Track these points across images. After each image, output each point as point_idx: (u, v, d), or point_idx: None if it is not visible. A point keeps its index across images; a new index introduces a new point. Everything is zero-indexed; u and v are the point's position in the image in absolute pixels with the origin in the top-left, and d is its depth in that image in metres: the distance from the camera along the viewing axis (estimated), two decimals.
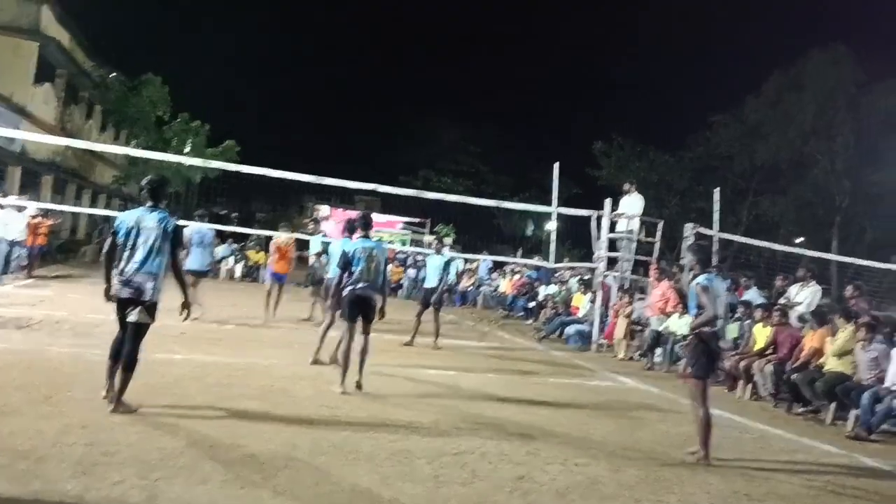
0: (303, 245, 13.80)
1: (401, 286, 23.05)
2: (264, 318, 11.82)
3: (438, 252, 12.09)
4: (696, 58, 44.50)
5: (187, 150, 29.74)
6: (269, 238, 13.67)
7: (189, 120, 30.97)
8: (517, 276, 21.00)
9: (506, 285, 21.39)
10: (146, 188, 5.78)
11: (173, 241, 5.63)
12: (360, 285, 7.16)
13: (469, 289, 22.93)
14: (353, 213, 9.68)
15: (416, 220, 32.32)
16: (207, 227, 12.27)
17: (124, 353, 5.42)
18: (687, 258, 6.23)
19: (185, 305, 5.80)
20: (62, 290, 13.81)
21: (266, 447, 4.93)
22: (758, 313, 10.26)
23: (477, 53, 66.44)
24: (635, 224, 13.82)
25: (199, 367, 7.26)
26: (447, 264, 11.84)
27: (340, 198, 48.33)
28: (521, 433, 6.18)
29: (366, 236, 7.45)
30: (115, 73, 29.78)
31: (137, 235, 5.51)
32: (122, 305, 5.49)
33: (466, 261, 23.61)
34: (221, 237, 24.90)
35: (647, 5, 54.66)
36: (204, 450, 4.73)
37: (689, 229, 12.64)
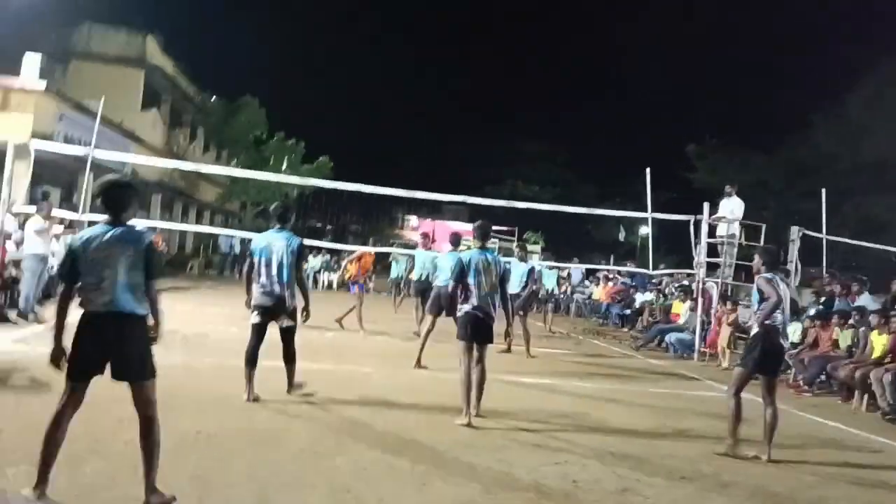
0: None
1: None
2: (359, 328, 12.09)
3: (522, 259, 11.95)
4: (792, 54, 42.52)
5: (284, 167, 30.84)
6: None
7: (285, 139, 32.14)
8: (611, 283, 20.59)
9: (600, 293, 21.02)
10: (274, 213, 6.80)
11: (298, 256, 6.50)
12: (475, 302, 6.36)
13: (561, 296, 22.65)
14: (445, 225, 9.70)
15: (505, 228, 32.18)
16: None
17: (285, 353, 6.54)
18: (755, 259, 6.40)
19: (306, 310, 6.55)
20: (172, 302, 14.48)
21: (369, 454, 5.02)
22: (874, 319, 9.64)
23: (561, 60, 65.89)
24: (736, 228, 13.31)
25: (303, 375, 7.47)
26: (530, 272, 11.72)
27: (429, 209, 48.98)
28: (623, 444, 6.04)
29: (483, 248, 6.61)
30: (215, 97, 31.32)
31: (270, 254, 6.41)
32: (265, 314, 6.41)
33: (558, 268, 23.35)
34: (317, 249, 25.70)
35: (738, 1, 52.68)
36: (310, 456, 4.86)
37: (794, 232, 12.07)
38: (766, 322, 5.93)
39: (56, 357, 3.76)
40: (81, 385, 3.80)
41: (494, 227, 31.88)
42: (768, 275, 6.09)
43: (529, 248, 31.59)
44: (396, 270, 16.43)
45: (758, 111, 38.47)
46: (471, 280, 6.35)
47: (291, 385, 6.63)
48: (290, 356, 6.60)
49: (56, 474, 4.03)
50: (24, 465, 4.13)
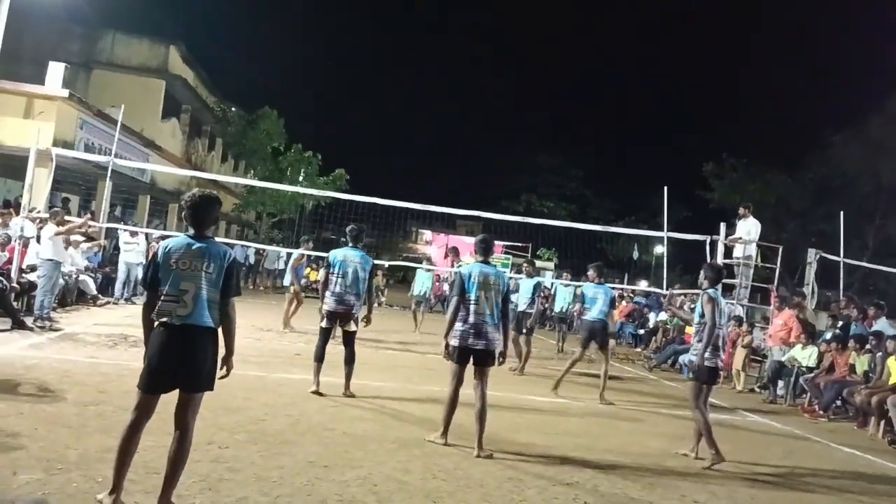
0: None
1: None
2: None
3: (529, 275, 11.66)
4: (812, 73, 42.36)
5: (301, 179, 31.04)
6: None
7: (302, 150, 32.37)
8: (625, 303, 20.49)
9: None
10: (350, 234, 7.77)
11: (370, 272, 7.66)
12: (472, 320, 5.93)
13: (573, 314, 22.53)
14: (460, 240, 9.62)
15: (518, 244, 32.16)
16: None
17: (346, 354, 7.48)
18: (700, 274, 6.85)
19: (368, 317, 7.86)
20: None
21: (379, 470, 5.01)
22: (890, 345, 9.52)
23: (578, 74, 65.97)
24: (752, 249, 13.21)
25: (327, 388, 7.47)
26: (536, 286, 11.38)
27: (443, 223, 49.04)
28: (635, 465, 5.99)
29: (485, 262, 6.20)
30: (234, 108, 31.62)
31: (346, 267, 7.46)
32: (333, 318, 7.45)
33: (573, 286, 23.25)
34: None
35: (759, 20, 52.62)
36: (320, 470, 4.85)
37: (811, 255, 11.97)
38: (705, 354, 6.38)
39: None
40: (154, 397, 3.81)
41: (508, 244, 32.12)
42: (712, 292, 6.53)
43: (542, 264, 31.65)
44: (420, 287, 15.78)
45: (778, 131, 38.27)
46: (471, 295, 5.95)
47: (348, 386, 7.43)
48: (350, 358, 7.47)
49: (69, 477, 4.06)
50: (38, 472, 4.15)
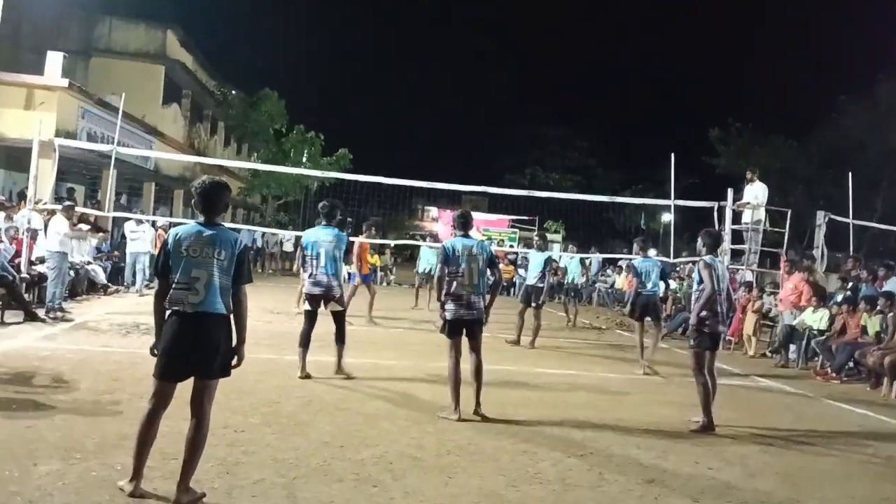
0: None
1: (514, 284, 22.98)
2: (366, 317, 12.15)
3: (540, 249, 11.52)
4: (819, 36, 41.76)
5: (304, 160, 30.95)
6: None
7: (304, 131, 32.23)
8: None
9: (622, 281, 20.87)
10: (322, 211, 7.48)
11: (345, 249, 7.50)
12: (459, 291, 6.09)
13: (583, 286, 22.55)
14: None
15: (525, 218, 32.05)
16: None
17: (336, 333, 7.40)
18: (698, 241, 6.87)
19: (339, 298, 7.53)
20: None
21: (393, 447, 5.04)
22: None
23: (580, 44, 65.31)
24: (761, 214, 13.14)
25: (326, 368, 7.52)
26: (547, 261, 11.25)
27: (449, 199, 48.85)
28: (648, 434, 6.01)
29: (465, 235, 6.40)
30: (235, 91, 31.45)
31: (318, 248, 7.24)
32: (315, 300, 7.25)
33: (582, 258, 23.24)
34: None
35: None
36: (335, 450, 4.89)
37: (820, 217, 11.90)
38: (702, 314, 6.42)
39: (156, 351, 3.83)
40: (170, 385, 3.84)
41: (515, 217, 31.99)
42: (708, 258, 6.56)
43: (550, 237, 31.57)
44: (425, 264, 15.90)
45: (784, 96, 37.83)
46: (455, 267, 6.10)
47: (340, 364, 7.39)
48: (340, 337, 7.41)
49: (88, 466, 4.10)
50: (57, 462, 4.20)
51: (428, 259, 15.67)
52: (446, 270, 6.15)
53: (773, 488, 4.84)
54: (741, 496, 4.61)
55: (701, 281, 6.50)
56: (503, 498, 4.24)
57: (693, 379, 6.58)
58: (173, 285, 3.77)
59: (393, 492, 4.19)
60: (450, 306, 6.12)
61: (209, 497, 3.82)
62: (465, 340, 6.23)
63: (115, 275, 15.09)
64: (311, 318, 7.29)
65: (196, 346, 3.76)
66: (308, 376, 7.05)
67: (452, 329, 6.15)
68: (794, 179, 29.61)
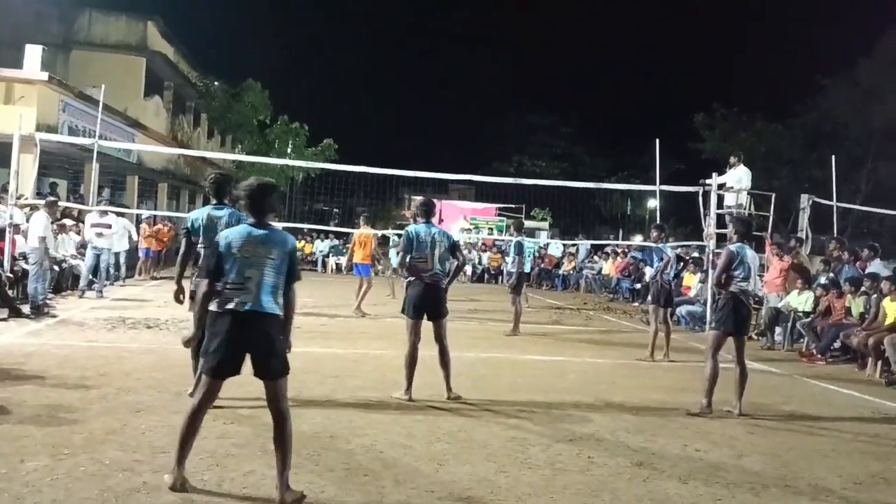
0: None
1: (501, 273, 23.05)
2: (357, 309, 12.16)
3: (513, 235, 11.57)
4: (800, 19, 41.89)
5: (289, 151, 30.78)
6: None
7: (289, 122, 32.02)
8: (620, 258, 20.56)
9: (609, 267, 20.99)
10: (210, 188, 6.04)
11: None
12: (423, 276, 6.29)
13: (570, 273, 22.64)
14: (453, 204, 9.38)
15: (512, 206, 32.09)
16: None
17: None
18: (730, 228, 6.81)
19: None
20: (187, 291, 14.57)
21: (383, 436, 5.05)
22: (885, 286, 9.57)
23: (566, 33, 65.23)
24: (744, 197, 13.20)
25: (315, 360, 7.51)
26: (519, 247, 11.16)
27: (435, 188, 48.76)
28: (636, 418, 6.05)
29: (427, 222, 6.54)
30: (217, 82, 31.16)
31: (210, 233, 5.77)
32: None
33: (565, 245, 23.34)
34: (324, 233, 25.77)
35: None
36: (326, 440, 4.89)
37: (804, 200, 11.98)
38: (733, 289, 6.35)
39: (193, 345, 3.90)
40: (220, 382, 3.87)
41: (501, 206, 32.01)
42: (735, 247, 6.46)
43: (536, 224, 31.63)
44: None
45: (767, 79, 38.03)
46: (420, 253, 6.32)
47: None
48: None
49: (77, 461, 4.08)
50: (45, 458, 4.17)
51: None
52: (409, 256, 6.37)
53: (762, 468, 4.89)
54: (730, 476, 4.66)
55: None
56: (494, 484, 4.26)
57: (680, 363, 6.61)
58: (226, 286, 3.79)
59: (384, 480, 4.20)
60: (411, 290, 6.33)
61: (200, 488, 3.81)
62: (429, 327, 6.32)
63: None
64: None
65: (251, 347, 3.78)
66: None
67: (413, 311, 6.29)
68: (779, 163, 29.80)
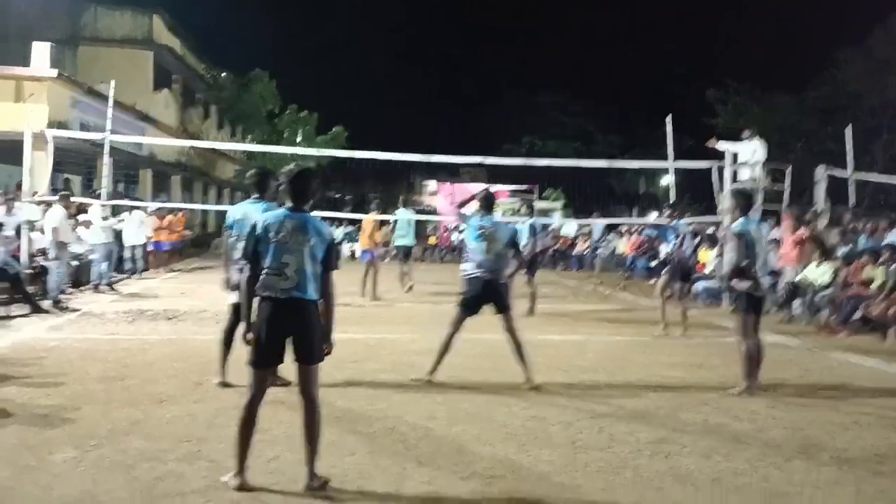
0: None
1: None
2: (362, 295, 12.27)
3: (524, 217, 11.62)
4: None
5: (299, 139, 30.82)
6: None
7: (298, 111, 32.03)
8: (635, 236, 20.46)
9: (624, 246, 20.89)
10: (250, 182, 6.01)
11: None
12: (480, 269, 6.21)
13: (585, 252, 22.58)
14: (465, 188, 9.32)
15: (524, 187, 31.97)
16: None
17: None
18: (730, 202, 6.58)
19: None
20: (200, 281, 14.71)
21: (404, 419, 5.08)
22: None
23: (571, 6, 64.42)
24: (757, 171, 13.07)
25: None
26: (531, 228, 11.22)
27: (447, 172, 48.58)
28: (656, 395, 6.05)
29: (486, 215, 6.47)
30: (225, 73, 31.20)
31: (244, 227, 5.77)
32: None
33: (580, 225, 23.24)
34: (338, 220, 25.82)
35: None
36: (347, 423, 4.93)
37: (820, 172, 11.84)
38: (735, 279, 6.20)
39: (249, 337, 3.83)
40: (265, 373, 3.90)
41: (514, 188, 31.93)
42: (738, 226, 6.22)
43: (549, 205, 31.53)
44: (404, 239, 13.72)
45: (780, 53, 37.34)
46: (475, 244, 6.25)
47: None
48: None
49: (102, 452, 4.14)
50: (72, 450, 4.23)
51: (405, 228, 13.53)
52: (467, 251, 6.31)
53: (784, 441, 4.88)
54: (752, 450, 4.64)
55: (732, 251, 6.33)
56: (515, 463, 4.28)
57: (699, 339, 6.58)
58: (264, 271, 3.79)
59: (406, 462, 4.23)
60: (469, 285, 6.26)
61: (223, 476, 3.85)
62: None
63: (121, 263, 14.93)
64: (238, 312, 5.58)
65: (290, 332, 3.78)
66: (227, 384, 5.77)
67: (467, 306, 6.25)
68: (794, 134, 29.43)
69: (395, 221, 13.34)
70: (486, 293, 6.21)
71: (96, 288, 12.50)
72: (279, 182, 4.24)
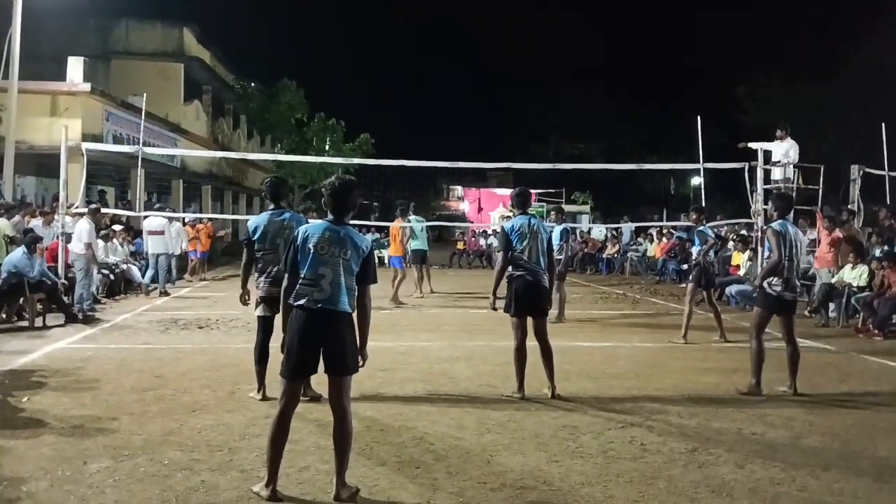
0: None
1: None
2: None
3: (558, 222, 11.09)
4: None
5: (327, 148, 31.08)
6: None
7: (325, 119, 32.30)
8: (665, 239, 20.22)
9: (654, 249, 20.66)
10: (267, 191, 6.27)
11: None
12: (525, 271, 6.00)
13: (615, 256, 22.38)
14: (492, 192, 9.28)
15: (552, 190, 31.81)
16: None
17: None
18: (769, 205, 6.74)
19: None
20: (232, 290, 14.82)
21: (433, 428, 5.07)
22: None
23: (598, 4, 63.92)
24: (790, 172, 12.84)
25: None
26: (564, 232, 10.90)
27: (474, 177, 48.60)
28: (689, 402, 5.96)
29: (524, 213, 6.29)
30: (254, 84, 31.59)
31: (276, 238, 5.83)
32: (273, 303, 6.24)
33: (608, 228, 23.05)
34: (366, 228, 25.96)
35: None
36: (377, 434, 4.94)
37: (855, 171, 11.60)
38: (768, 279, 6.24)
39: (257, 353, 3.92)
40: (298, 383, 3.94)
41: (541, 191, 31.78)
42: (777, 225, 6.25)
43: (577, 208, 31.32)
44: (417, 244, 13.94)
45: (810, 38, 36.37)
46: (518, 246, 6.02)
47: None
48: None
49: (137, 462, 4.19)
50: (107, 460, 4.29)
51: (417, 236, 13.82)
52: (509, 252, 6.04)
53: (821, 449, 4.77)
54: (789, 459, 4.55)
55: (771, 249, 6.30)
56: (546, 473, 4.24)
57: (731, 344, 6.48)
58: (300, 281, 3.83)
59: (436, 472, 4.22)
60: (515, 286, 6.01)
61: (254, 486, 3.87)
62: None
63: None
64: (266, 325, 5.82)
65: (322, 343, 3.80)
66: (267, 398, 5.65)
67: (518, 308, 6.03)
68: (826, 123, 28.74)
69: (410, 229, 13.56)
70: (530, 294, 6.00)
71: (162, 293, 13.47)
72: (305, 192, 4.28)
